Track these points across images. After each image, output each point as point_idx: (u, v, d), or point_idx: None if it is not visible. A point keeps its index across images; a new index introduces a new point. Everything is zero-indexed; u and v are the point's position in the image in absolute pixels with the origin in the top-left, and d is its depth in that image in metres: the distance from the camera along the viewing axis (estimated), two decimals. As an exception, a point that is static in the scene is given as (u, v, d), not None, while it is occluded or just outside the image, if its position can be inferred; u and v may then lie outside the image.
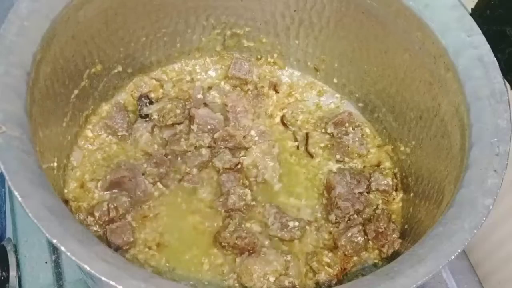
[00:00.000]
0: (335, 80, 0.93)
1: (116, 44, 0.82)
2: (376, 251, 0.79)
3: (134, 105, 0.87)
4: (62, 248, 0.51)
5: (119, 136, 0.83)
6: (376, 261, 0.78)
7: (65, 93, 0.75)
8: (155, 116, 0.84)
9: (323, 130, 0.89)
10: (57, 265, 0.82)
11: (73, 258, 0.51)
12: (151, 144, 0.83)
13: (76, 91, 0.78)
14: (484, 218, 0.59)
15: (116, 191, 0.77)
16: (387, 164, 0.88)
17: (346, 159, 0.87)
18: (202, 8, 0.86)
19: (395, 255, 0.76)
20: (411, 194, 0.82)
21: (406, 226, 0.80)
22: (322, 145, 0.88)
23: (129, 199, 0.76)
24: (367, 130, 0.91)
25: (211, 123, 0.84)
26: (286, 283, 0.71)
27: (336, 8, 0.83)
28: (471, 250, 0.94)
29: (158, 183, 0.80)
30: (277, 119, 0.91)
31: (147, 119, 0.85)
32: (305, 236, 0.79)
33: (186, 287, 0.72)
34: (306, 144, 0.88)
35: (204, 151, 0.82)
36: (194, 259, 0.75)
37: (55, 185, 0.70)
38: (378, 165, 0.87)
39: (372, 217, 0.80)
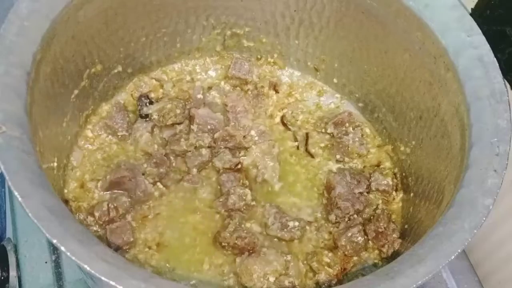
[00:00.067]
0: (335, 80, 0.93)
1: (116, 44, 0.82)
2: (376, 251, 0.79)
3: (134, 105, 0.87)
4: (62, 248, 0.51)
5: (119, 136, 0.83)
6: (376, 261, 0.78)
7: (65, 93, 0.75)
8: (155, 116, 0.84)
9: (323, 130, 0.89)
10: (57, 265, 0.82)
11: (73, 258, 0.51)
12: (151, 144, 0.83)
13: (76, 91, 0.78)
14: (484, 218, 0.59)
15: (116, 191, 0.78)
16: (387, 164, 0.88)
17: (346, 159, 0.87)
18: (202, 8, 0.86)
19: (395, 255, 0.76)
20: (411, 194, 0.82)
21: (406, 226, 0.80)
22: (322, 145, 0.88)
23: (129, 199, 0.76)
24: (367, 130, 0.91)
25: (211, 123, 0.84)
26: (286, 283, 0.71)
27: (336, 8, 0.83)
28: (471, 250, 0.94)
29: (158, 183, 0.80)
30: (277, 119, 0.91)
31: (147, 119, 0.85)
32: (305, 236, 0.79)
33: (186, 287, 0.72)
34: (306, 144, 0.88)
35: (204, 151, 0.82)
36: (194, 259, 0.75)
37: (55, 185, 0.70)
38: (378, 165, 0.87)
39: (372, 217, 0.80)
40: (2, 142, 0.55)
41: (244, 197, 0.78)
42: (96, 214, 0.74)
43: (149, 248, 0.75)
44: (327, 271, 0.75)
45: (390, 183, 0.83)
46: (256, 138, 0.86)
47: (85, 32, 0.74)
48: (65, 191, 0.77)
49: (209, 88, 0.91)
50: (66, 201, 0.75)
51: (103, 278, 0.50)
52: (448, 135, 0.72)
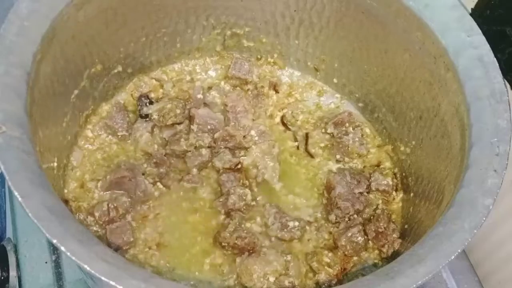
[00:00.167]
0: (335, 80, 0.93)
1: (116, 44, 0.82)
2: (376, 251, 0.79)
3: (134, 105, 0.87)
4: (62, 248, 0.51)
5: (119, 136, 0.83)
6: (376, 261, 0.78)
7: (65, 93, 0.75)
8: (155, 116, 0.84)
9: (323, 130, 0.89)
10: (57, 265, 0.82)
11: (73, 258, 0.51)
12: (151, 144, 0.83)
13: (76, 91, 0.78)
14: (484, 218, 0.59)
15: (116, 191, 0.77)
16: (387, 164, 0.88)
17: (346, 159, 0.87)
18: (202, 8, 0.86)
19: (395, 255, 0.76)
20: (411, 194, 0.82)
21: (406, 226, 0.80)
22: (322, 145, 0.88)
23: (129, 199, 0.76)
24: (367, 130, 0.91)
25: (211, 123, 0.84)
26: (286, 283, 0.71)
27: (336, 8, 0.83)
28: (471, 250, 0.94)
29: (158, 183, 0.80)
30: (277, 119, 0.91)
31: (147, 119, 0.85)
32: (305, 236, 0.79)
33: (186, 287, 0.72)
34: (306, 144, 0.88)
35: (204, 151, 0.82)
36: (194, 259, 0.75)
37: (55, 185, 0.70)
38: (378, 165, 0.87)
39: (372, 217, 0.80)
40: (2, 142, 0.55)
41: (244, 197, 0.78)
42: (96, 214, 0.74)
43: (149, 248, 0.75)
44: (327, 271, 0.75)
45: (390, 183, 0.83)
46: (256, 138, 0.86)
47: (85, 32, 0.74)
48: (65, 191, 0.77)
49: (209, 88, 0.91)
50: (66, 201, 0.75)
51: (103, 278, 0.50)
52: (448, 135, 0.72)
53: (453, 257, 0.57)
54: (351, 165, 0.87)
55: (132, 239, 0.74)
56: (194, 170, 0.81)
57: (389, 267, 0.58)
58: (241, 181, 0.81)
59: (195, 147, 0.83)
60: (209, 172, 0.83)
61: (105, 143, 0.83)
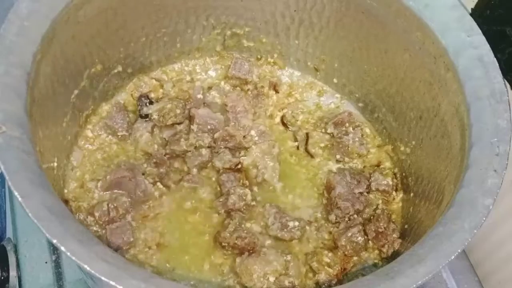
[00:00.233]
0: (335, 80, 0.93)
1: (116, 44, 0.82)
2: (376, 251, 0.79)
3: (134, 105, 0.87)
4: (62, 248, 0.51)
5: (119, 136, 0.83)
6: (376, 261, 0.78)
7: (65, 93, 0.75)
8: (155, 116, 0.84)
9: (323, 130, 0.89)
10: (57, 265, 0.82)
11: (73, 258, 0.51)
12: (151, 144, 0.83)
13: (76, 91, 0.78)
14: (484, 218, 0.59)
15: (116, 191, 0.77)
16: (387, 164, 0.88)
17: (346, 159, 0.87)
18: (202, 8, 0.86)
19: (395, 255, 0.76)
20: (411, 194, 0.82)
21: (406, 226, 0.80)
22: (322, 145, 0.88)
23: (129, 199, 0.76)
24: (367, 130, 0.91)
25: (211, 123, 0.84)
26: (286, 283, 0.71)
27: (336, 8, 0.83)
28: (471, 250, 0.94)
29: (158, 183, 0.80)
30: (277, 119, 0.91)
31: (147, 119, 0.85)
32: (305, 236, 0.79)
33: (186, 287, 0.72)
34: (306, 144, 0.88)
35: (204, 151, 0.82)
36: (194, 259, 0.75)
37: (55, 185, 0.70)
38: (378, 165, 0.87)
39: (372, 217, 0.80)
40: (2, 142, 0.55)
41: (244, 197, 0.78)
42: (96, 214, 0.74)
43: (149, 248, 0.75)
44: (327, 271, 0.75)
45: (390, 183, 0.83)
46: (256, 138, 0.86)
47: (85, 32, 0.74)
48: (65, 191, 0.77)
49: (209, 88, 0.91)
50: (66, 201, 0.75)
51: (103, 278, 0.50)
52: (448, 135, 0.72)
53: (453, 257, 0.57)
54: (351, 165, 0.87)
55: (132, 239, 0.74)
56: (194, 170, 0.81)
57: (389, 267, 0.58)
58: (241, 181, 0.81)
59: (195, 147, 0.83)
60: (209, 172, 0.83)
61: (105, 143, 0.83)
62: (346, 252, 0.77)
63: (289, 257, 0.74)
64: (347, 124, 0.88)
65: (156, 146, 0.83)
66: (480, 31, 0.71)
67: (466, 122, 0.67)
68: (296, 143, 0.89)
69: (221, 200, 0.79)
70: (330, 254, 0.76)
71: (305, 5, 0.85)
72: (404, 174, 0.85)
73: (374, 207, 0.82)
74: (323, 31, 0.88)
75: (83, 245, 0.52)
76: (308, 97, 0.94)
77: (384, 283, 0.55)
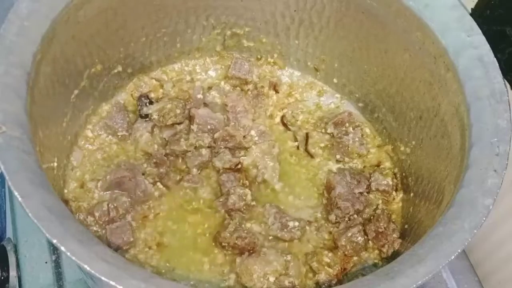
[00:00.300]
0: (335, 80, 0.93)
1: (116, 44, 0.82)
2: (376, 251, 0.79)
3: (134, 105, 0.87)
4: (62, 248, 0.51)
5: (119, 136, 0.83)
6: (376, 261, 0.78)
7: (65, 93, 0.75)
8: (155, 116, 0.84)
9: (323, 130, 0.89)
10: (57, 265, 0.82)
11: (73, 258, 0.51)
12: (151, 144, 0.83)
13: (76, 91, 0.78)
14: (484, 218, 0.59)
15: (116, 191, 0.77)
16: (387, 164, 0.88)
17: (346, 159, 0.87)
18: (202, 8, 0.86)
19: (395, 255, 0.76)
20: (411, 194, 0.82)
21: (406, 226, 0.80)
22: (322, 145, 0.88)
23: (129, 199, 0.76)
24: (367, 130, 0.91)
25: (211, 123, 0.84)
26: (286, 283, 0.71)
27: (336, 8, 0.83)
28: (471, 250, 0.94)
29: (158, 183, 0.80)
30: (277, 119, 0.91)
31: (147, 119, 0.85)
32: (305, 236, 0.79)
33: (186, 287, 0.72)
34: (306, 144, 0.88)
35: (204, 151, 0.82)
36: (194, 259, 0.75)
37: (55, 185, 0.70)
38: (378, 165, 0.87)
39: (372, 217, 0.80)
40: (2, 142, 0.55)
41: (244, 197, 0.78)
42: (96, 214, 0.74)
43: (149, 248, 0.75)
44: (327, 271, 0.75)
45: (390, 183, 0.83)
46: (256, 138, 0.86)
47: (85, 32, 0.74)
48: (65, 191, 0.77)
49: (209, 88, 0.91)
50: (66, 201, 0.75)
51: (103, 278, 0.50)
52: (448, 135, 0.72)
53: (453, 257, 0.57)
54: (351, 165, 0.87)
55: (132, 239, 0.74)
56: (194, 170, 0.81)
57: (389, 267, 0.58)
58: (241, 181, 0.81)
59: (195, 147, 0.83)
60: (209, 172, 0.83)
61: (105, 143, 0.83)
62: (346, 252, 0.77)
63: (289, 257, 0.74)
64: (347, 124, 0.88)
65: (156, 146, 0.83)
66: (480, 31, 0.71)
67: (466, 122, 0.67)
68: (296, 143, 0.89)
69: (221, 200, 0.79)
70: (330, 254, 0.76)
71: (305, 5, 0.85)
72: (404, 174, 0.85)
73: (374, 207, 0.82)
74: (323, 31, 0.88)
75: (83, 245, 0.52)
76: (308, 97, 0.94)
77: (384, 283, 0.55)
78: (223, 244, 0.75)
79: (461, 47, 0.70)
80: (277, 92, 0.93)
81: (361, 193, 0.82)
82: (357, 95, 0.92)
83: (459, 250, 0.57)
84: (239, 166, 0.83)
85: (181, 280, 0.73)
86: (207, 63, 0.94)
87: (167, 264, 0.74)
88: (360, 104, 0.92)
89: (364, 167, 0.87)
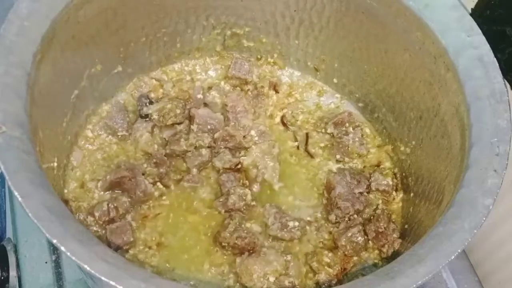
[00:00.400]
0: (335, 80, 0.93)
1: (116, 44, 0.82)
2: (376, 251, 0.79)
3: (134, 105, 0.87)
4: (62, 248, 0.51)
5: (119, 136, 0.83)
6: (376, 261, 0.78)
7: (65, 93, 0.75)
8: (155, 116, 0.84)
9: (323, 130, 0.89)
10: (57, 265, 0.82)
11: (73, 258, 0.51)
12: (151, 144, 0.83)
13: (76, 91, 0.78)
14: (484, 218, 0.59)
15: (116, 191, 0.78)
16: (387, 164, 0.88)
17: (346, 159, 0.87)
18: (202, 8, 0.86)
19: (395, 255, 0.76)
20: (411, 194, 0.82)
21: (406, 226, 0.80)
22: (322, 145, 0.88)
23: (129, 199, 0.76)
24: (367, 130, 0.91)
25: (211, 123, 0.84)
26: (286, 283, 0.71)
27: (336, 8, 0.83)
28: (471, 250, 0.94)
29: (158, 183, 0.80)
30: (277, 119, 0.91)
31: (147, 119, 0.85)
32: (305, 236, 0.79)
33: (186, 287, 0.72)
34: (306, 144, 0.88)
35: (204, 151, 0.82)
36: (194, 259, 0.75)
37: (55, 185, 0.70)
38: (378, 165, 0.87)
39: (372, 217, 0.80)
40: (2, 142, 0.55)
41: (244, 197, 0.78)
42: (96, 214, 0.74)
43: (149, 248, 0.75)
44: (327, 271, 0.75)
45: (390, 183, 0.83)
46: (256, 138, 0.86)
47: (85, 32, 0.74)
48: (65, 191, 0.77)
49: (209, 88, 0.91)
50: (66, 201, 0.75)
51: (103, 278, 0.50)
52: (448, 135, 0.72)
53: (453, 257, 0.57)
54: (351, 165, 0.87)
55: (132, 239, 0.74)
56: (194, 170, 0.81)
57: (389, 267, 0.58)
58: (241, 181, 0.81)
59: (195, 147, 0.83)
60: (209, 172, 0.83)
61: (105, 143, 0.83)
62: (346, 252, 0.77)
63: (289, 257, 0.74)
64: (347, 124, 0.88)
65: (156, 146, 0.83)
66: (480, 31, 0.71)
67: (466, 122, 0.67)
68: (296, 143, 0.89)
69: (221, 200, 0.79)
70: (330, 254, 0.76)
71: (305, 5, 0.85)
72: (404, 174, 0.85)
73: (374, 207, 0.82)
74: (323, 31, 0.88)
75: (83, 245, 0.52)
76: (308, 97, 0.94)
77: (384, 283, 0.55)
78: (223, 244, 0.75)
79: (461, 47, 0.70)
80: (277, 92, 0.93)
81: (361, 193, 0.82)
82: (357, 95, 0.92)
83: (459, 250, 0.57)
84: (239, 166, 0.82)
85: (181, 280, 0.73)
86: (207, 63, 0.94)
87: (167, 264, 0.74)
88: (360, 104, 0.92)
89: (364, 167, 0.87)
